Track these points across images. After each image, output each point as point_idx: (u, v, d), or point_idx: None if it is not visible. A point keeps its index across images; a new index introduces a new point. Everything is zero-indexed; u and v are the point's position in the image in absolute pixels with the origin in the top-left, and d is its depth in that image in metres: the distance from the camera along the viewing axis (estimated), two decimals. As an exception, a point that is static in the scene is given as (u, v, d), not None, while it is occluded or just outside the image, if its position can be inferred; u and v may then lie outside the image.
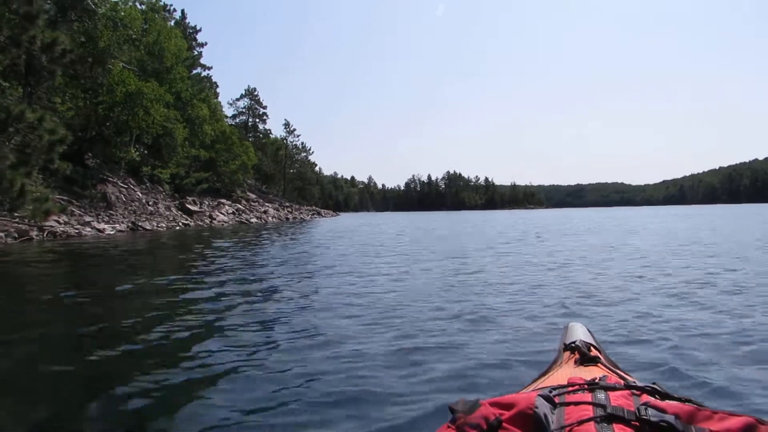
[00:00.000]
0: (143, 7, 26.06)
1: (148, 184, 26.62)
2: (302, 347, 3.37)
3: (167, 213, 22.97)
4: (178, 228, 20.76)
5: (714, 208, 77.63)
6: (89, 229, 15.58)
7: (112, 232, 16.27)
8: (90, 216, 17.62)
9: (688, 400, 0.98)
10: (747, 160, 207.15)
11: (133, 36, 21.28)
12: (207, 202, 31.38)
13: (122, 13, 18.87)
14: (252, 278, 6.73)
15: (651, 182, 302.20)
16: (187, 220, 23.35)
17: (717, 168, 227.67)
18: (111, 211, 19.37)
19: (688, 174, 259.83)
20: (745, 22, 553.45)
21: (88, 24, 17.85)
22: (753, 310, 4.33)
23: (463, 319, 4.21)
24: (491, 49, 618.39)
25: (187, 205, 25.87)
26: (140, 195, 23.18)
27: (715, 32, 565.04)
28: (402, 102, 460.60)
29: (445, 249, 11.43)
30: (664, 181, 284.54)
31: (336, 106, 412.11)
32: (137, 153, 25.98)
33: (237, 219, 29.44)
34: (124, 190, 22.30)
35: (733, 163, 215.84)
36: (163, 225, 20.24)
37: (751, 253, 9.05)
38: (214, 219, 26.34)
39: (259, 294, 5.46)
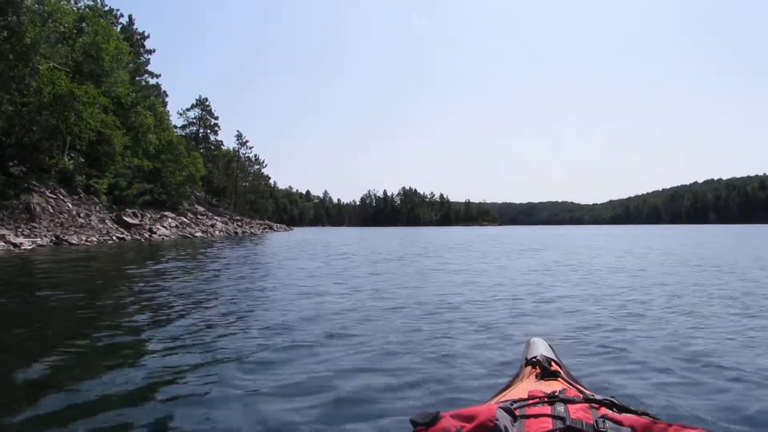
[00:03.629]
0: (81, 4, 24.43)
1: (82, 195, 24.69)
2: (252, 361, 3.26)
3: (100, 226, 21.19)
4: (110, 242, 19.08)
5: (648, 228, 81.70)
6: (2, 243, 13.90)
7: (30, 247, 14.60)
8: (7, 228, 15.86)
9: (645, 413, 1.01)
10: (687, 183, 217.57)
11: (66, 33, 19.63)
12: (149, 215, 29.55)
13: (51, 7, 17.21)
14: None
15: (599, 202, 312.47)
16: (123, 233, 21.61)
17: (660, 189, 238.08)
18: (33, 224, 17.59)
19: (633, 195, 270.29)
20: (693, 48, 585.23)
21: (11, 18, 16.18)
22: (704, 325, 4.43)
23: (423, 332, 4.19)
24: (449, 68, 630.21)
25: (125, 218, 24.09)
26: (70, 206, 21.32)
27: (663, 60, 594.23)
28: (359, 118, 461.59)
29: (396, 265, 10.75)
30: (610, 201, 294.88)
31: (293, 119, 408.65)
32: (71, 161, 24.14)
33: (180, 233, 27.76)
34: (52, 200, 20.44)
35: (675, 185, 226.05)
36: (94, 239, 18.53)
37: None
38: (155, 233, 24.63)
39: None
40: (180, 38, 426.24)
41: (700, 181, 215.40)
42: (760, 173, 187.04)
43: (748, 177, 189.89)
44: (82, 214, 21.27)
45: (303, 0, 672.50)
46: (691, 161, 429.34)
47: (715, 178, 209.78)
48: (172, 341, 3.81)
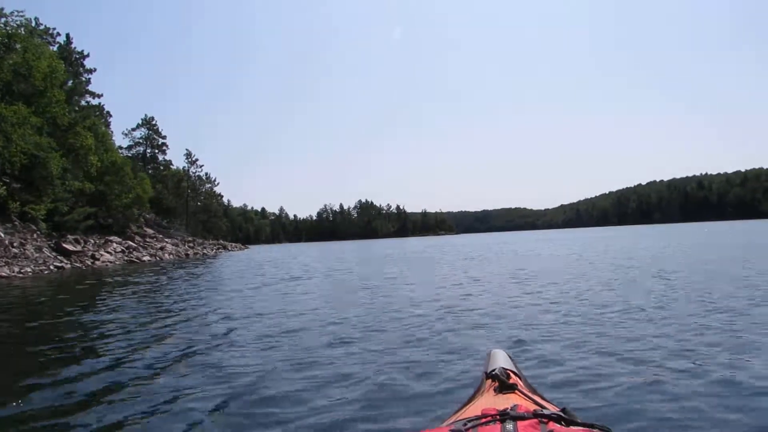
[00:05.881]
0: (11, 20, 23.09)
1: (17, 223, 23.20)
2: (204, 390, 3.24)
3: (36, 255, 19.86)
4: (47, 272, 17.88)
5: (595, 230, 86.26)
6: None
7: (-47, 283, 13.44)
8: (-72, 263, 14.60)
9: (593, 426, 1.06)
10: (632, 185, 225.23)
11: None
12: (93, 241, 28.06)
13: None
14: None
15: (550, 207, 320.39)
16: (62, 262, 20.33)
17: (607, 192, 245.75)
18: (-41, 256, 16.28)
19: (582, 198, 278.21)
20: (634, 54, 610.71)
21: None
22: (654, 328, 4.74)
23: (380, 348, 4.22)
24: (413, 80, 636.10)
25: (65, 245, 22.71)
26: (2, 235, 19.91)
27: (610, 67, 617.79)
28: (315, 132, 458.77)
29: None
30: (561, 206, 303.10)
31: (250, 137, 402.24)
32: (3, 187, 22.65)
33: (126, 258, 26.44)
34: (-19, 230, 19.07)
35: (621, 187, 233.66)
36: (29, 270, 17.29)
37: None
38: (98, 259, 23.33)
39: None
40: (124, 56, 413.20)
41: (644, 183, 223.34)
42: (698, 173, 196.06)
43: (687, 177, 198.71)
44: (15, 244, 19.89)
45: (267, 18, 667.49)
46: (636, 163, 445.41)
47: (657, 180, 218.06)
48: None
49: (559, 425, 1.05)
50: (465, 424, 1.08)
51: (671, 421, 2.49)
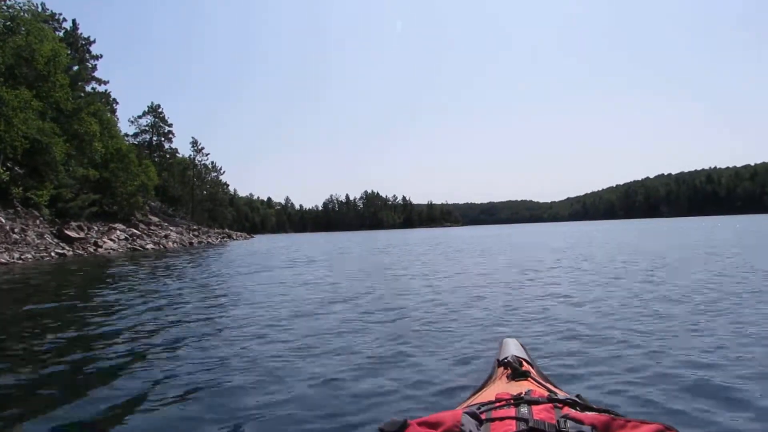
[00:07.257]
0: (12, 2, 22.77)
1: (19, 209, 23.01)
2: (222, 372, 3.26)
3: (38, 242, 19.64)
4: (48, 259, 17.65)
5: (600, 223, 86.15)
6: None
7: (-50, 268, 13.21)
8: (-74, 248, 14.38)
9: (606, 411, 1.04)
10: (640, 178, 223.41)
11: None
12: (96, 228, 27.87)
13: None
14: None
15: (557, 199, 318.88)
16: (63, 249, 20.10)
17: (614, 186, 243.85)
18: (-42, 242, 16.06)
19: (589, 191, 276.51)
20: (636, 45, 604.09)
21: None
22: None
23: (394, 337, 4.15)
24: (403, 75, 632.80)
25: (67, 232, 22.49)
26: (3, 221, 19.71)
27: (619, 60, 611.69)
28: (319, 122, 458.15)
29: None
30: (568, 198, 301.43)
31: (257, 128, 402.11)
32: (6, 172, 22.43)
33: (129, 245, 26.23)
34: (-18, 215, 18.85)
35: (628, 180, 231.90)
36: (29, 256, 17.06)
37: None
38: (100, 246, 23.12)
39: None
40: (135, 45, 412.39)
41: (652, 176, 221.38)
42: (707, 167, 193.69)
43: (696, 171, 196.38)
44: (17, 230, 19.67)
45: (277, 12, 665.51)
46: (644, 157, 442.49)
47: (665, 173, 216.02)
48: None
49: (573, 410, 1.03)
50: (479, 408, 1.06)
51: (685, 412, 2.36)
